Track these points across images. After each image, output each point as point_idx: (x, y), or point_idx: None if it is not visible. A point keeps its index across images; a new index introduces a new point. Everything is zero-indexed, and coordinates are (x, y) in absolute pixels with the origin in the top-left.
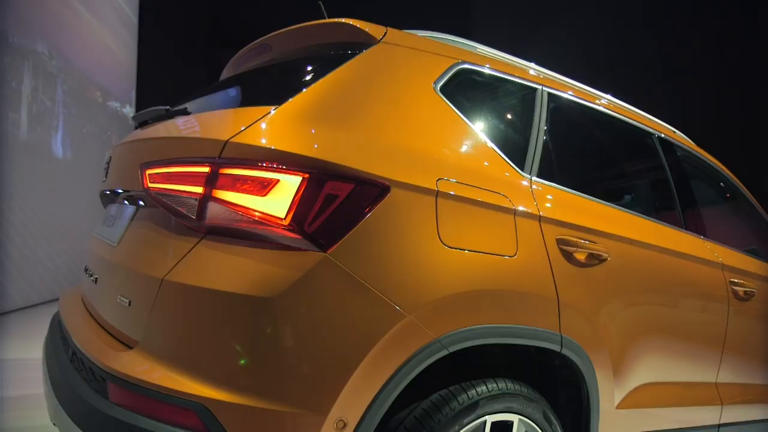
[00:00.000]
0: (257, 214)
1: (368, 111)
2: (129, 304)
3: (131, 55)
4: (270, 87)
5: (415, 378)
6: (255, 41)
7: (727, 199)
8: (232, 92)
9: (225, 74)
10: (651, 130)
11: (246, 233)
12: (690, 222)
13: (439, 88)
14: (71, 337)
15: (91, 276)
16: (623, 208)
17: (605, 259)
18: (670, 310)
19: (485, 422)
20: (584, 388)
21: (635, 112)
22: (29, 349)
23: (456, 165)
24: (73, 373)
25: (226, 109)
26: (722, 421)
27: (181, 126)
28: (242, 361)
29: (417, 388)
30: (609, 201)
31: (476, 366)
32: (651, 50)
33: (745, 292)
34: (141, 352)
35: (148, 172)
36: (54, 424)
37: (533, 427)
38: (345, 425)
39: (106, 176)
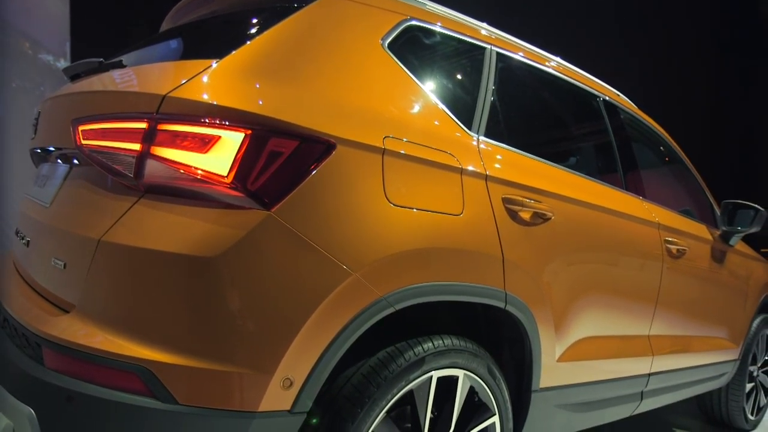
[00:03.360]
0: (198, 171)
1: (314, 66)
2: (64, 267)
3: (63, 4)
4: (212, 40)
5: (362, 335)
6: None
7: (666, 163)
8: (172, 45)
9: (164, 26)
10: (596, 93)
11: (187, 191)
12: (630, 183)
13: (387, 45)
14: (2, 303)
15: (23, 239)
16: (568, 169)
17: (549, 218)
18: (609, 267)
19: (431, 378)
20: (527, 343)
21: (582, 74)
22: None
23: (403, 123)
24: (4, 341)
25: (165, 63)
26: (652, 371)
27: (116, 79)
28: (185, 322)
29: (364, 345)
30: (554, 161)
31: (423, 323)
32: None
33: (677, 250)
34: (78, 315)
35: (81, 128)
36: None
37: (478, 381)
38: (291, 384)
39: (35, 133)
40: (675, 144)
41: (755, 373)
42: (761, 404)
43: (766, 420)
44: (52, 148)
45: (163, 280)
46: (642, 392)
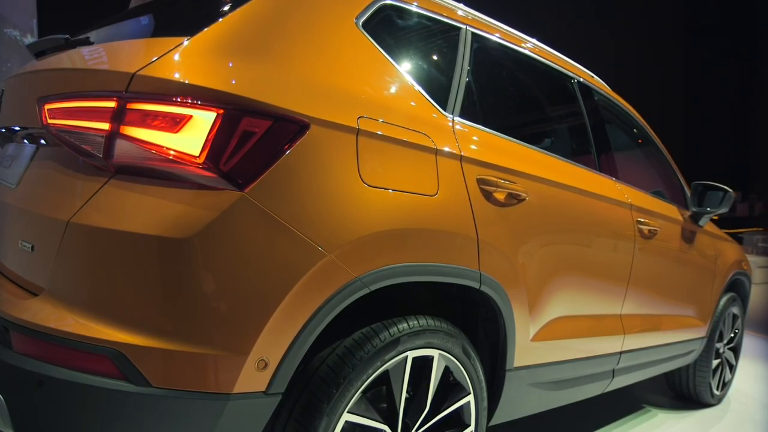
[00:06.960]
0: (170, 152)
1: (288, 45)
2: (32, 250)
3: None
4: (183, 17)
5: (338, 316)
6: None
7: (639, 144)
8: (142, 22)
9: (134, 2)
10: (571, 74)
11: (158, 172)
12: (604, 164)
13: (361, 24)
14: None
15: None
16: (542, 150)
17: (524, 199)
18: (583, 248)
19: (407, 358)
20: (501, 323)
21: (557, 56)
22: None
23: (377, 103)
24: None
25: (135, 40)
26: (624, 349)
27: (84, 57)
28: (158, 305)
29: (340, 326)
30: (529, 143)
31: (398, 303)
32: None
33: (649, 230)
34: (47, 298)
35: (48, 107)
36: None
37: (453, 361)
38: (266, 365)
39: None
40: (647, 125)
41: (721, 350)
42: (726, 380)
43: (730, 394)
44: (17, 128)
45: (134, 261)
46: (614, 370)
